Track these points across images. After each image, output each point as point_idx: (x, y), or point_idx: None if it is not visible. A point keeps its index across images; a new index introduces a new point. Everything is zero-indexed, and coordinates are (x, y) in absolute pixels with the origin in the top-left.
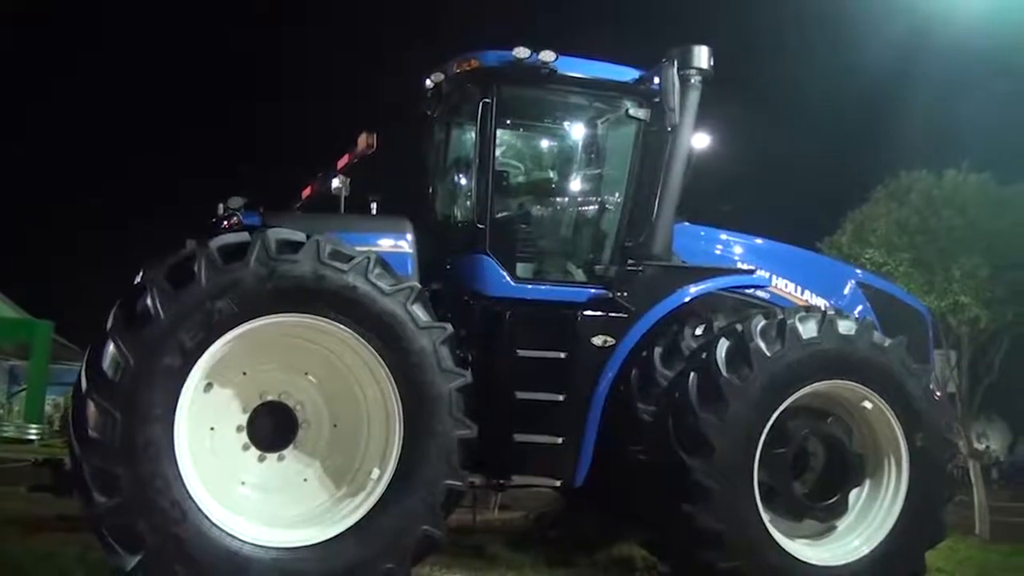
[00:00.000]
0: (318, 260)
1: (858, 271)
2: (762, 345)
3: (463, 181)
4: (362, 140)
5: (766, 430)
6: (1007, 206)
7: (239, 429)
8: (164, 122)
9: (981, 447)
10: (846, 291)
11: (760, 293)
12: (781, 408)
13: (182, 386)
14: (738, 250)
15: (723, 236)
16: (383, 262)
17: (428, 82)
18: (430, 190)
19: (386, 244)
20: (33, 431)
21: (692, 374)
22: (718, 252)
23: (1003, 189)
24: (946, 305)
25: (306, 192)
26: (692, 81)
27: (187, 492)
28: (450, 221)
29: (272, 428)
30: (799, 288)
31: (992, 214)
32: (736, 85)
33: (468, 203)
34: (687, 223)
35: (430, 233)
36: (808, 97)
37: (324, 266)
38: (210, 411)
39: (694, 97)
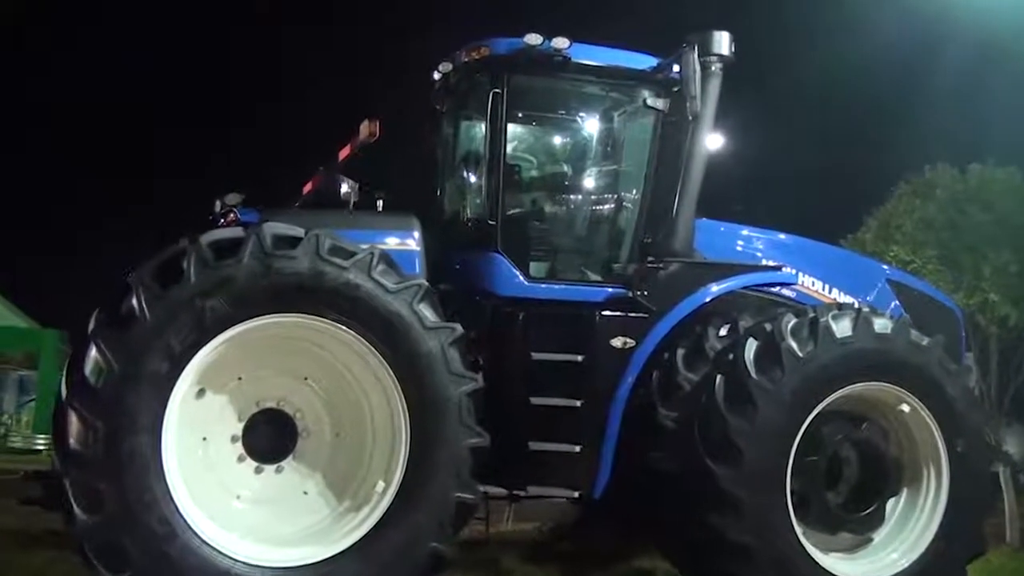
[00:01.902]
0: (317, 256)
1: (886, 267)
2: (794, 345)
3: (473, 176)
4: (364, 128)
5: (799, 436)
6: None
7: (234, 439)
8: (176, 126)
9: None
10: (876, 289)
11: (786, 291)
12: (815, 412)
13: (170, 393)
14: (761, 246)
15: (744, 232)
16: (387, 258)
17: (436, 73)
18: (439, 186)
19: (392, 242)
20: (41, 442)
21: (719, 377)
22: (739, 248)
23: None
24: (975, 303)
25: (307, 188)
26: (713, 69)
27: (176, 508)
28: (460, 218)
29: (270, 438)
30: (827, 286)
31: (1022, 209)
32: (749, 80)
33: (478, 199)
34: (705, 219)
35: (439, 231)
36: (825, 92)
37: (323, 262)
38: (202, 420)
39: (715, 85)
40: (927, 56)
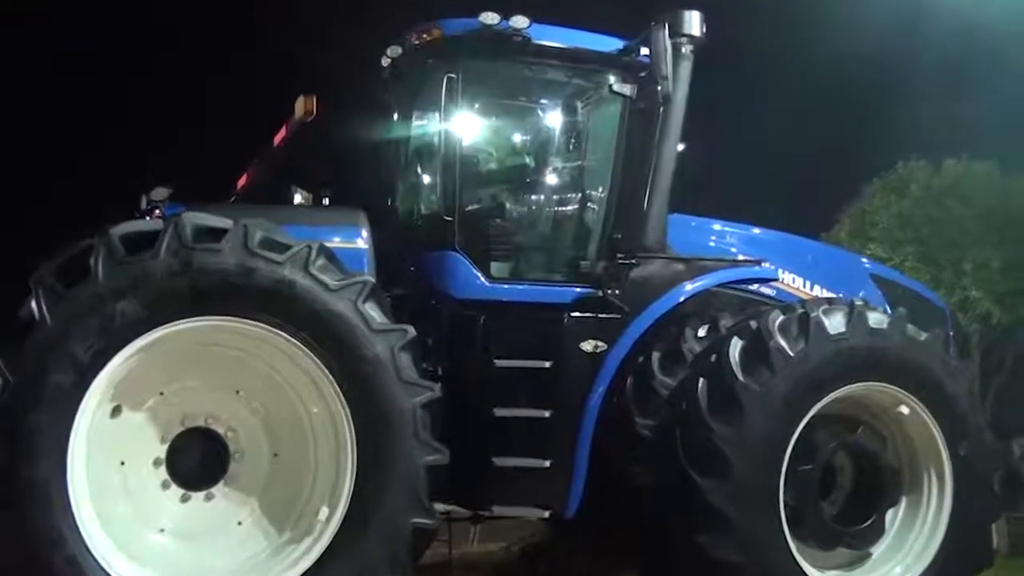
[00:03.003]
0: (246, 250)
1: (868, 263)
2: (783, 343)
3: (427, 169)
4: (299, 106)
5: (791, 443)
6: (1019, 195)
7: (157, 463)
8: (105, 116)
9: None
10: (861, 285)
11: (765, 289)
12: (808, 417)
13: (77, 410)
14: (736, 242)
15: (717, 227)
16: (328, 253)
17: (384, 59)
18: (390, 181)
19: (337, 240)
20: None
21: (701, 380)
22: (713, 244)
23: (1013, 178)
24: (955, 301)
25: (242, 181)
26: (683, 50)
27: (85, 545)
28: (413, 215)
29: (198, 461)
30: (808, 282)
31: (1002, 204)
32: (718, 70)
33: (433, 194)
34: (676, 213)
35: (391, 229)
36: (795, 85)
37: (254, 257)
38: (118, 441)
39: (686, 67)
40: (896, 52)
